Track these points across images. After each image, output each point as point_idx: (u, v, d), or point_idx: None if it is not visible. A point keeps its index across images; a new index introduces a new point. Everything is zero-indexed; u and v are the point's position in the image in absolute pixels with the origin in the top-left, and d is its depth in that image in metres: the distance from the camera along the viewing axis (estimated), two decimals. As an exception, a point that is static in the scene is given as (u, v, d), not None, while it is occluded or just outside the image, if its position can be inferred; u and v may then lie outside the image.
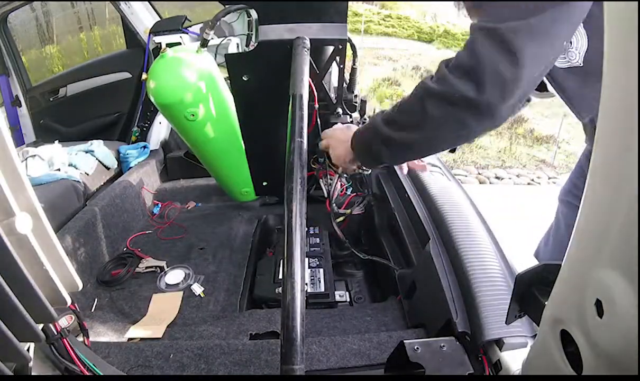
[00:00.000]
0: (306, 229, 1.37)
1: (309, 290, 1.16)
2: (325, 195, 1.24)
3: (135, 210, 1.66)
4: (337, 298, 1.18)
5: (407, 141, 0.75)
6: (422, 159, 1.18)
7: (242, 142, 1.33)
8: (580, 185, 1.19)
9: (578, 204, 0.95)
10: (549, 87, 0.93)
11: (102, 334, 1.03)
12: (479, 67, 0.61)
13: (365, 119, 1.23)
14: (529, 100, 1.05)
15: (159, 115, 2.09)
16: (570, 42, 0.77)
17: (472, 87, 0.62)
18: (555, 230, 1.35)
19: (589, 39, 0.74)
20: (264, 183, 1.45)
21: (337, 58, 1.06)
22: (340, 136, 0.95)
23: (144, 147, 2.04)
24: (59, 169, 1.63)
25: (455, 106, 0.65)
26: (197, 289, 1.22)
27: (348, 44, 1.08)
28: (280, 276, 1.21)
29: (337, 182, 1.19)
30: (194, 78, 1.25)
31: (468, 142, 0.78)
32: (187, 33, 1.95)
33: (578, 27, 0.68)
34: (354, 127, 0.93)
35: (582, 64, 0.76)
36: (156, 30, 1.97)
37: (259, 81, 1.08)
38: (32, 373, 0.55)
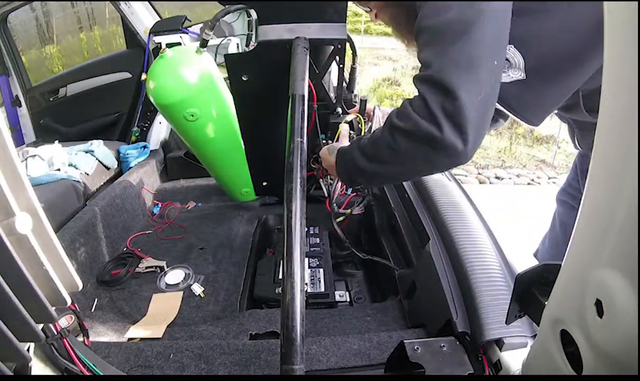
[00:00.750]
0: (306, 229, 1.37)
1: (309, 290, 1.16)
2: (326, 195, 1.24)
3: (135, 210, 1.66)
4: (337, 298, 1.18)
5: (380, 172, 0.79)
6: None
7: (242, 142, 1.33)
8: (575, 184, 1.21)
9: (573, 203, 0.97)
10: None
11: (102, 334, 1.03)
12: (431, 110, 0.65)
13: (365, 118, 1.23)
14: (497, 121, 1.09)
15: (159, 115, 2.09)
16: (509, 61, 0.78)
17: (433, 126, 0.65)
18: (550, 229, 1.37)
19: (522, 54, 0.77)
20: (264, 183, 1.45)
21: (337, 58, 1.06)
22: (328, 155, 0.98)
23: (144, 147, 2.04)
24: (59, 169, 1.63)
25: (420, 141, 0.68)
26: (197, 289, 1.22)
27: (347, 44, 1.08)
28: (280, 276, 1.21)
29: (337, 182, 1.19)
30: (194, 78, 1.25)
31: (438, 171, 0.80)
32: (187, 33, 1.95)
33: (508, 47, 0.71)
34: (340, 145, 0.95)
35: (525, 77, 0.79)
36: (156, 30, 1.97)
37: (259, 81, 1.08)
38: (32, 373, 0.55)
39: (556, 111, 0.98)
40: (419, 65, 0.74)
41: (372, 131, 1.15)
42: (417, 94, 0.70)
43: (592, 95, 0.85)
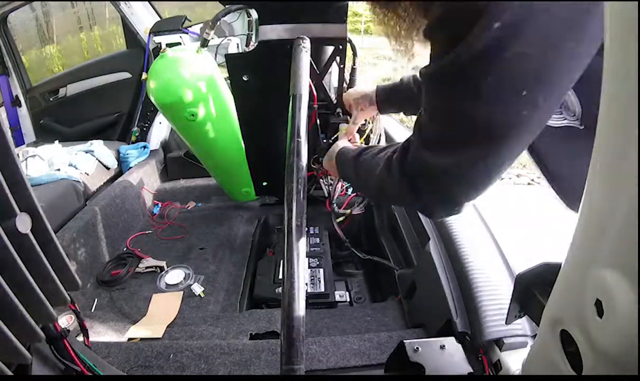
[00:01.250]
0: (306, 229, 1.37)
1: (309, 290, 1.16)
2: (326, 195, 1.24)
3: (135, 210, 1.66)
4: (337, 298, 1.18)
5: (363, 190, 0.93)
6: None
7: (242, 142, 1.33)
8: None
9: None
10: None
11: (102, 334, 1.03)
12: (419, 192, 0.57)
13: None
14: None
15: (159, 115, 2.09)
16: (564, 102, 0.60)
17: (418, 204, 0.60)
18: None
19: (581, 101, 0.56)
20: (264, 183, 1.45)
21: (337, 58, 1.06)
22: (329, 157, 1.00)
23: (144, 147, 2.04)
24: (59, 169, 1.63)
25: (405, 200, 0.67)
26: (197, 289, 1.22)
27: (348, 44, 1.08)
28: (280, 276, 1.21)
29: (337, 183, 1.19)
30: (194, 78, 1.25)
31: None
32: (187, 33, 1.95)
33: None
34: (340, 145, 0.97)
35: (580, 126, 0.58)
36: (156, 30, 1.97)
37: (259, 81, 1.08)
38: (32, 373, 0.55)
39: None
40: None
41: (375, 132, 1.14)
42: (411, 152, 0.58)
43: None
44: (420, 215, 1.12)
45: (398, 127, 1.59)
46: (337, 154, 0.93)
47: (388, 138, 1.45)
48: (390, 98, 1.04)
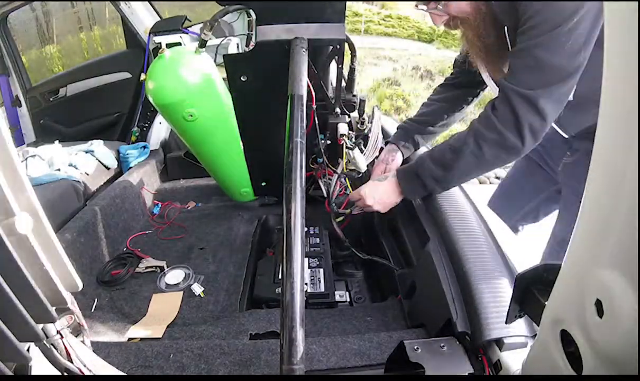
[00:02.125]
0: (306, 229, 1.37)
1: (309, 290, 1.16)
2: (325, 195, 1.24)
3: (135, 210, 1.66)
4: (337, 298, 1.18)
5: (454, 177, 1.01)
6: None
7: (241, 142, 1.33)
8: (545, 144, 1.35)
9: (540, 163, 1.24)
10: None
11: (102, 334, 1.03)
12: (522, 127, 0.87)
13: (364, 118, 1.23)
14: None
15: (159, 115, 2.09)
16: None
17: (518, 139, 0.88)
18: (509, 177, 1.57)
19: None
20: (263, 183, 1.45)
21: (336, 58, 1.06)
22: (382, 190, 1.12)
23: (144, 147, 2.04)
24: (59, 169, 1.63)
25: (504, 150, 0.91)
26: (197, 289, 1.22)
27: (346, 44, 1.08)
28: (280, 276, 1.21)
29: (336, 182, 1.20)
30: (193, 78, 1.25)
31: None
32: (187, 33, 1.95)
33: None
34: (386, 175, 1.15)
35: (573, 99, 0.95)
36: (156, 30, 1.97)
37: (258, 82, 1.08)
38: (32, 373, 0.55)
39: None
40: (420, 64, 0.79)
41: (372, 131, 1.15)
42: (501, 100, 0.89)
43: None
44: (421, 213, 1.12)
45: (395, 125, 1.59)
46: (400, 175, 1.08)
47: (386, 136, 1.45)
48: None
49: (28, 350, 0.56)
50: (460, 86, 1.25)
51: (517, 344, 0.70)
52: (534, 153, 1.40)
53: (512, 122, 0.88)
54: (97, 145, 1.87)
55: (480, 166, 0.96)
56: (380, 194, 1.10)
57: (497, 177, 6.05)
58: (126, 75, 2.14)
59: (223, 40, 1.82)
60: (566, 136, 1.18)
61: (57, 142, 1.84)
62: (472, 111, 1.73)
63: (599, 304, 0.34)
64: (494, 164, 0.95)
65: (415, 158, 1.08)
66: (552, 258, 1.28)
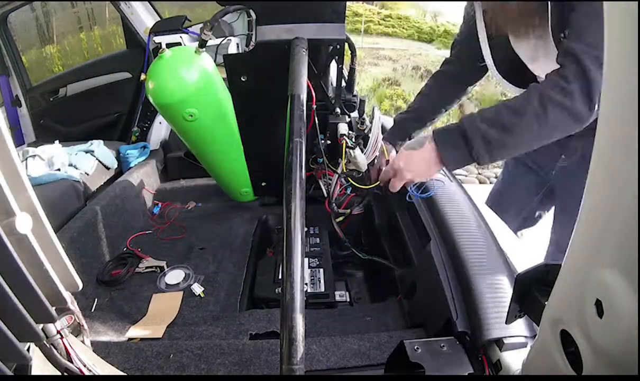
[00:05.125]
0: (306, 229, 1.37)
1: (309, 290, 1.16)
2: (325, 195, 1.24)
3: (135, 210, 1.66)
4: (337, 298, 1.18)
5: (509, 141, 0.88)
6: None
7: (241, 142, 1.33)
8: (542, 153, 1.32)
9: (533, 167, 1.19)
10: None
11: (102, 334, 1.03)
12: (593, 91, 0.78)
13: (364, 118, 1.23)
14: None
15: (159, 115, 2.09)
16: None
17: (587, 105, 0.80)
18: (502, 182, 1.54)
19: None
20: (263, 184, 1.45)
21: (336, 58, 1.06)
22: (418, 158, 1.01)
23: (144, 147, 2.04)
24: (59, 169, 1.63)
25: (571, 116, 0.82)
26: (197, 289, 1.22)
27: (346, 44, 1.08)
28: (280, 276, 1.21)
29: (336, 183, 1.19)
30: (193, 78, 1.25)
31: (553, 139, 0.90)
32: (187, 33, 1.95)
33: None
34: (421, 139, 1.03)
35: None
36: (156, 30, 1.97)
37: (257, 82, 1.08)
38: (32, 373, 0.55)
39: None
40: (420, 64, 0.78)
41: (372, 131, 1.15)
42: (568, 62, 0.81)
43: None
44: (421, 213, 1.12)
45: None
46: (439, 139, 0.95)
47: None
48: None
49: (28, 350, 0.56)
50: (456, 73, 1.20)
51: (517, 344, 0.70)
52: (527, 157, 1.37)
53: (583, 85, 0.79)
54: (97, 145, 1.87)
55: (540, 132, 0.85)
56: (418, 165, 0.98)
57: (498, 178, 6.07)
58: (126, 75, 2.14)
59: (223, 40, 1.82)
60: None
61: (57, 142, 1.83)
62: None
63: (599, 304, 0.34)
64: (554, 131, 0.84)
65: (461, 118, 0.96)
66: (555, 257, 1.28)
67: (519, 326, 0.72)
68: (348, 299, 1.21)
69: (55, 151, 1.73)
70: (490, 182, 5.85)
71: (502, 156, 0.94)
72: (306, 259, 1.27)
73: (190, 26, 2.00)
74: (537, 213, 1.47)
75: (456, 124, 0.93)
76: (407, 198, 1.13)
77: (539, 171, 1.33)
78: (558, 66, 0.85)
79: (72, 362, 0.64)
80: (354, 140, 1.14)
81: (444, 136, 0.95)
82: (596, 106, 0.79)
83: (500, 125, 0.88)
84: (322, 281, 1.19)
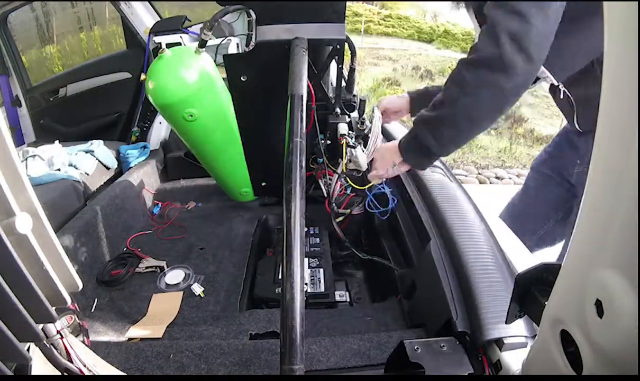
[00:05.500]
0: (306, 229, 1.37)
1: (309, 290, 1.16)
2: (325, 195, 1.24)
3: (135, 210, 1.66)
4: (337, 298, 1.18)
5: (449, 117, 0.85)
6: None
7: (241, 142, 1.33)
8: (555, 153, 1.31)
9: (555, 177, 1.14)
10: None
11: (102, 334, 1.03)
12: (495, 29, 0.76)
13: (364, 118, 1.23)
14: (536, 81, 1.07)
15: (159, 115, 2.09)
16: None
17: (492, 44, 0.76)
18: (522, 194, 1.45)
19: None
20: (263, 184, 1.45)
21: (336, 58, 1.06)
22: (384, 147, 1.06)
23: (144, 147, 2.04)
24: (59, 169, 1.63)
25: (483, 67, 0.78)
26: (197, 289, 1.22)
27: (346, 44, 1.08)
28: (280, 276, 1.21)
29: (336, 183, 1.19)
30: (193, 78, 1.25)
31: (503, 112, 0.85)
32: (187, 33, 1.95)
33: None
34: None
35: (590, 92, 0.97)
36: (156, 30, 1.97)
37: (257, 82, 1.08)
38: (32, 373, 0.55)
39: (564, 89, 1.09)
40: (420, 64, 0.79)
41: (372, 131, 1.15)
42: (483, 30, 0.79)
43: None
44: (422, 213, 1.12)
45: (397, 125, 1.59)
46: (401, 140, 0.98)
47: (387, 135, 1.45)
48: (423, 103, 1.10)
49: (28, 349, 0.56)
50: None
51: (517, 344, 0.70)
52: (546, 166, 1.33)
53: (489, 32, 0.76)
54: (97, 145, 1.87)
55: (467, 100, 0.81)
56: (383, 156, 1.03)
57: (498, 178, 6.05)
58: (126, 75, 2.14)
59: (223, 40, 1.82)
60: (580, 130, 1.14)
61: (57, 142, 1.83)
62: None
63: (599, 304, 0.34)
64: (481, 92, 0.79)
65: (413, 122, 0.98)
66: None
67: (519, 326, 0.72)
68: (348, 299, 1.21)
69: (55, 151, 1.73)
70: (491, 182, 5.85)
71: (455, 138, 0.91)
72: (306, 259, 1.27)
73: (190, 26, 2.00)
74: (556, 233, 1.37)
75: (412, 132, 0.95)
76: (368, 208, 1.19)
77: (561, 180, 1.28)
78: None
79: (72, 362, 0.64)
80: (354, 140, 1.14)
81: (406, 145, 0.98)
82: (508, 43, 0.74)
83: (432, 105, 0.88)
84: (322, 281, 1.19)
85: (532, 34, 0.73)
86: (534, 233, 1.39)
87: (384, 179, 1.13)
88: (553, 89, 1.14)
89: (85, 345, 0.76)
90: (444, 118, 0.86)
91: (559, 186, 1.29)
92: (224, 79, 1.34)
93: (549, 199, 1.32)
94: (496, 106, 0.83)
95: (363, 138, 1.16)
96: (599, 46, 0.87)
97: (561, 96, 1.12)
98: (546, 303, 0.46)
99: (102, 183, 1.80)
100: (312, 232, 1.42)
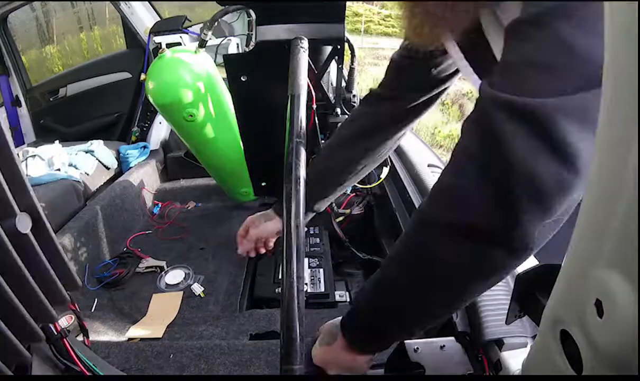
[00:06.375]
0: (306, 229, 1.37)
1: (309, 290, 1.16)
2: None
3: (135, 210, 1.66)
4: (337, 298, 1.18)
5: (418, 302, 0.54)
6: None
7: (241, 142, 1.33)
8: None
9: None
10: None
11: (102, 334, 1.03)
12: (512, 175, 0.39)
13: None
14: None
15: (159, 115, 2.09)
16: None
17: (502, 213, 0.41)
18: None
19: None
20: (263, 184, 1.45)
21: (336, 58, 1.06)
22: (323, 350, 0.67)
23: (144, 147, 2.04)
24: (59, 169, 1.63)
25: (477, 242, 0.44)
26: (197, 289, 1.22)
27: (346, 44, 1.08)
28: (280, 276, 1.21)
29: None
30: (192, 79, 1.25)
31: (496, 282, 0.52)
32: (187, 33, 1.95)
33: None
34: (332, 328, 0.67)
35: None
36: (156, 30, 1.97)
37: (257, 82, 1.08)
38: (32, 373, 0.55)
39: None
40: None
41: None
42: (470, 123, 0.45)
43: None
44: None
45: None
46: (343, 319, 0.64)
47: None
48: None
49: (28, 349, 0.56)
50: (400, 93, 0.79)
51: (517, 344, 0.70)
52: None
53: (493, 175, 0.42)
54: (97, 145, 1.87)
55: (439, 278, 0.50)
56: (339, 363, 0.65)
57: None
58: (126, 75, 2.14)
59: (223, 40, 1.82)
60: None
61: (57, 142, 1.83)
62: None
63: (599, 304, 0.34)
64: (463, 271, 0.48)
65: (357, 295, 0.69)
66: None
67: (519, 326, 0.72)
68: (348, 300, 1.21)
69: (55, 151, 1.73)
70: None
71: (422, 320, 0.58)
72: (306, 259, 1.27)
73: (190, 26, 2.00)
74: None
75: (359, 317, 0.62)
76: None
77: None
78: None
79: (72, 362, 0.64)
80: None
81: (347, 317, 0.64)
82: (524, 205, 0.41)
83: (387, 287, 0.56)
84: (322, 281, 1.19)
85: (578, 189, 0.41)
86: None
87: None
88: None
89: (85, 344, 0.76)
90: (411, 304, 0.55)
91: None
92: (224, 79, 1.34)
93: None
94: (485, 286, 0.52)
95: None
96: None
97: None
98: (546, 303, 0.46)
99: (102, 183, 1.80)
100: (312, 232, 1.42)
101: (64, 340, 0.62)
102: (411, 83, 0.75)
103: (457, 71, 0.72)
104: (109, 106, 2.19)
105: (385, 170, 1.22)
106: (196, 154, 1.60)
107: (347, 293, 1.23)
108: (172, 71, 1.25)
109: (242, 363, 0.85)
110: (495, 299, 0.78)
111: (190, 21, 2.01)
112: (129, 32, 2.08)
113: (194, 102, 1.27)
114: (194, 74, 1.25)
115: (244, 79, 1.07)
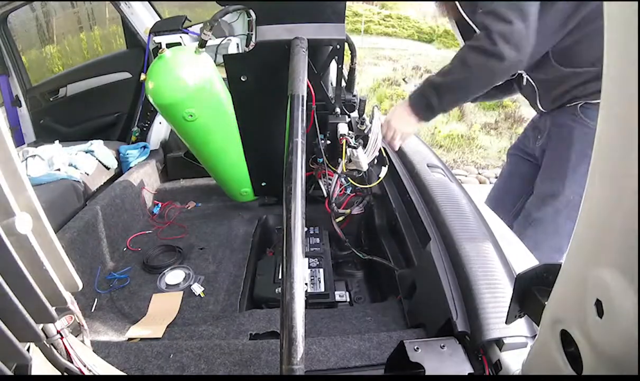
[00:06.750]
0: (306, 229, 1.37)
1: (309, 290, 1.16)
2: (325, 195, 1.24)
3: (135, 210, 1.66)
4: (337, 298, 1.18)
5: (451, 85, 1.10)
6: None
7: (241, 142, 1.33)
8: (525, 142, 1.53)
9: (523, 156, 1.43)
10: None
11: (102, 334, 1.03)
12: (488, 30, 1.02)
13: (364, 118, 1.23)
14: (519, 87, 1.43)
15: (159, 115, 2.09)
16: None
17: (488, 40, 1.02)
18: (499, 178, 1.69)
19: None
20: (263, 184, 1.45)
21: (336, 58, 1.06)
22: (397, 107, 1.22)
23: (144, 147, 2.04)
24: (59, 169, 1.63)
25: (482, 53, 1.03)
26: (197, 289, 1.22)
27: (346, 44, 1.08)
28: (280, 276, 1.21)
29: (336, 183, 1.20)
30: (192, 79, 1.25)
31: (490, 86, 1.12)
32: (187, 33, 1.95)
33: None
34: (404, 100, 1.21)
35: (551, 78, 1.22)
36: (156, 30, 1.97)
37: (257, 82, 1.08)
38: (32, 373, 0.55)
39: (527, 76, 1.31)
40: (420, 64, 0.84)
41: (372, 131, 1.15)
42: (483, 23, 1.04)
43: (561, 52, 1.18)
44: (421, 213, 1.12)
45: (415, 140, 1.60)
46: (411, 95, 1.17)
47: (402, 155, 1.45)
48: None
49: (28, 349, 0.56)
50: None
51: (517, 344, 0.70)
52: (515, 149, 1.58)
53: (485, 32, 1.03)
54: (97, 145, 1.87)
55: (466, 75, 1.07)
56: (396, 116, 1.18)
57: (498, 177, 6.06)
58: (126, 75, 2.14)
59: (223, 40, 1.82)
60: (543, 110, 1.35)
61: (57, 142, 1.83)
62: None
63: (599, 304, 0.34)
64: (481, 73, 1.05)
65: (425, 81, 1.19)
66: (534, 210, 1.37)
67: (519, 326, 0.72)
68: (348, 299, 1.21)
69: (55, 151, 1.73)
70: (490, 183, 5.85)
71: (449, 98, 1.14)
72: (306, 259, 1.27)
73: (190, 26, 1.99)
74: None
75: (420, 91, 1.17)
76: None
77: (527, 157, 1.50)
78: None
79: (72, 362, 0.64)
80: (354, 140, 1.14)
81: (415, 101, 1.18)
82: (501, 42, 0.99)
83: (440, 73, 1.12)
84: (322, 281, 1.19)
85: (515, 32, 1.00)
86: (511, 209, 1.55)
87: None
88: (518, 79, 1.38)
89: (85, 345, 0.76)
90: (447, 85, 1.10)
91: (526, 161, 1.51)
92: (224, 79, 1.34)
93: (520, 176, 1.53)
94: (486, 82, 1.10)
95: (363, 138, 1.16)
96: (558, 34, 1.07)
97: (524, 83, 1.34)
98: (546, 303, 0.46)
99: (102, 183, 1.80)
100: (312, 232, 1.42)
101: (64, 340, 0.62)
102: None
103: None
104: (109, 106, 2.19)
105: (384, 169, 1.22)
106: (196, 154, 1.60)
107: (347, 293, 1.23)
108: (171, 71, 1.25)
109: (242, 363, 0.85)
110: (495, 299, 0.78)
111: (190, 21, 2.01)
112: (129, 32, 2.08)
113: (194, 102, 1.27)
114: (193, 74, 1.25)
115: (244, 79, 1.07)
